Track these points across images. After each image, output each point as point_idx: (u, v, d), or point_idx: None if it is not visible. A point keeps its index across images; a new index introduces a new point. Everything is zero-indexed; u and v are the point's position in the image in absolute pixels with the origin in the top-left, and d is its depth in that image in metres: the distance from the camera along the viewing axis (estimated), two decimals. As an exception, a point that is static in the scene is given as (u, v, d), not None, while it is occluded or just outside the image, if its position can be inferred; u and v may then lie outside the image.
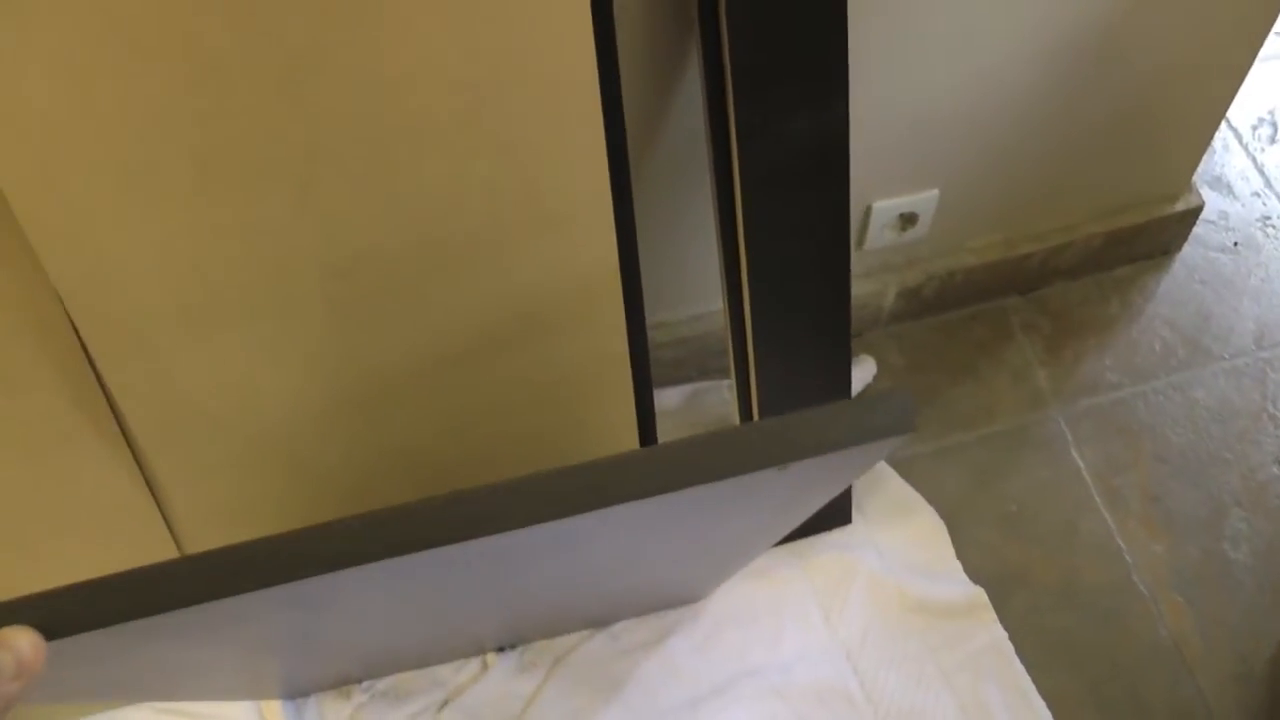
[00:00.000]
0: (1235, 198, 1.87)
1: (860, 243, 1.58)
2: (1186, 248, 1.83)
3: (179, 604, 0.66)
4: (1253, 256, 1.81)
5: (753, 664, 1.43)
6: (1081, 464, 1.62)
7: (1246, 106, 1.97)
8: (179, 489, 1.22)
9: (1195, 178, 1.75)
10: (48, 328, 1.06)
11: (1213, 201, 1.86)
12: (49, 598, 0.64)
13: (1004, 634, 1.45)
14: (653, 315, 1.55)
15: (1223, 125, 1.92)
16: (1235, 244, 1.83)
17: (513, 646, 1.44)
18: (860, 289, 1.64)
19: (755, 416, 1.38)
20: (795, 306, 1.29)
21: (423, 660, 1.41)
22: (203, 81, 0.92)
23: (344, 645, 1.18)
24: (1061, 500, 1.60)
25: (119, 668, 0.86)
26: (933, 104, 1.41)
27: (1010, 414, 1.67)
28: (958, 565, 1.52)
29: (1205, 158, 1.74)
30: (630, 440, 1.33)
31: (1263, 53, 1.52)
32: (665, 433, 1.43)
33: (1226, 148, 1.92)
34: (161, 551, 1.25)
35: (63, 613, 0.64)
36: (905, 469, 1.60)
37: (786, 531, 1.15)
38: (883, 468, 1.59)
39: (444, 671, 1.43)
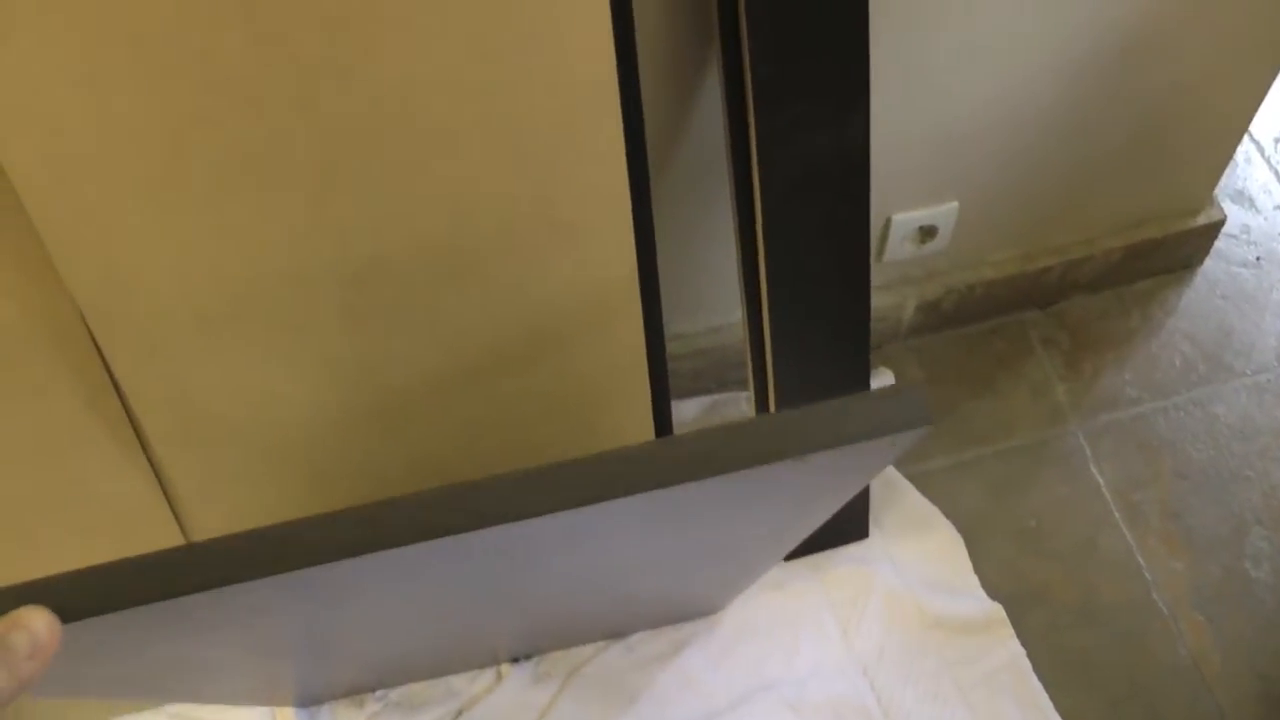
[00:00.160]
0: (1258, 211, 1.86)
1: (879, 255, 1.58)
2: (1208, 262, 1.82)
3: (193, 588, 0.66)
4: (1275, 271, 1.80)
5: (768, 678, 1.43)
6: (1101, 480, 1.61)
7: (1269, 119, 1.96)
8: (194, 495, 1.22)
9: (1217, 191, 1.74)
10: (65, 334, 1.06)
11: (1235, 215, 1.85)
12: (64, 580, 0.64)
13: (1022, 651, 1.44)
14: (670, 327, 1.55)
15: (1245, 138, 1.91)
16: (1257, 258, 1.82)
17: (528, 657, 1.44)
18: (879, 302, 1.63)
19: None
20: (814, 319, 1.29)
21: (437, 670, 1.41)
22: (219, 91, 0.92)
23: (358, 651, 1.18)
24: (1080, 516, 1.59)
25: (133, 661, 0.86)
26: (953, 117, 1.40)
27: (1029, 428, 1.66)
28: (975, 581, 1.52)
29: (1227, 171, 1.73)
30: (648, 452, 1.32)
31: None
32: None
33: (1249, 161, 1.91)
34: (176, 558, 1.25)
35: (77, 595, 0.64)
36: (923, 483, 1.59)
37: (800, 539, 1.13)
38: (900, 482, 1.58)
39: (458, 681, 1.43)
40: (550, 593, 1.07)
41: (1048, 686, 1.42)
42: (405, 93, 0.97)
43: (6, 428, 1.11)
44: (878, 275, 1.62)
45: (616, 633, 1.44)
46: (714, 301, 1.56)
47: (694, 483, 0.68)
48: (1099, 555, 1.56)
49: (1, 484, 1.15)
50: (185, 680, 1.06)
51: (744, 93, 1.13)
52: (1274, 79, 1.54)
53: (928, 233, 1.55)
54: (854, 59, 1.12)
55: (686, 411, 1.64)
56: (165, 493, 1.21)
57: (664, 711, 1.41)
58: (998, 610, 1.47)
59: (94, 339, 1.06)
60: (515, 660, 1.43)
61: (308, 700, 1.40)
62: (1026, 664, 1.44)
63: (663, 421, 1.31)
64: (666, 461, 0.68)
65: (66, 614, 0.63)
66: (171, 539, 1.24)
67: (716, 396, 1.66)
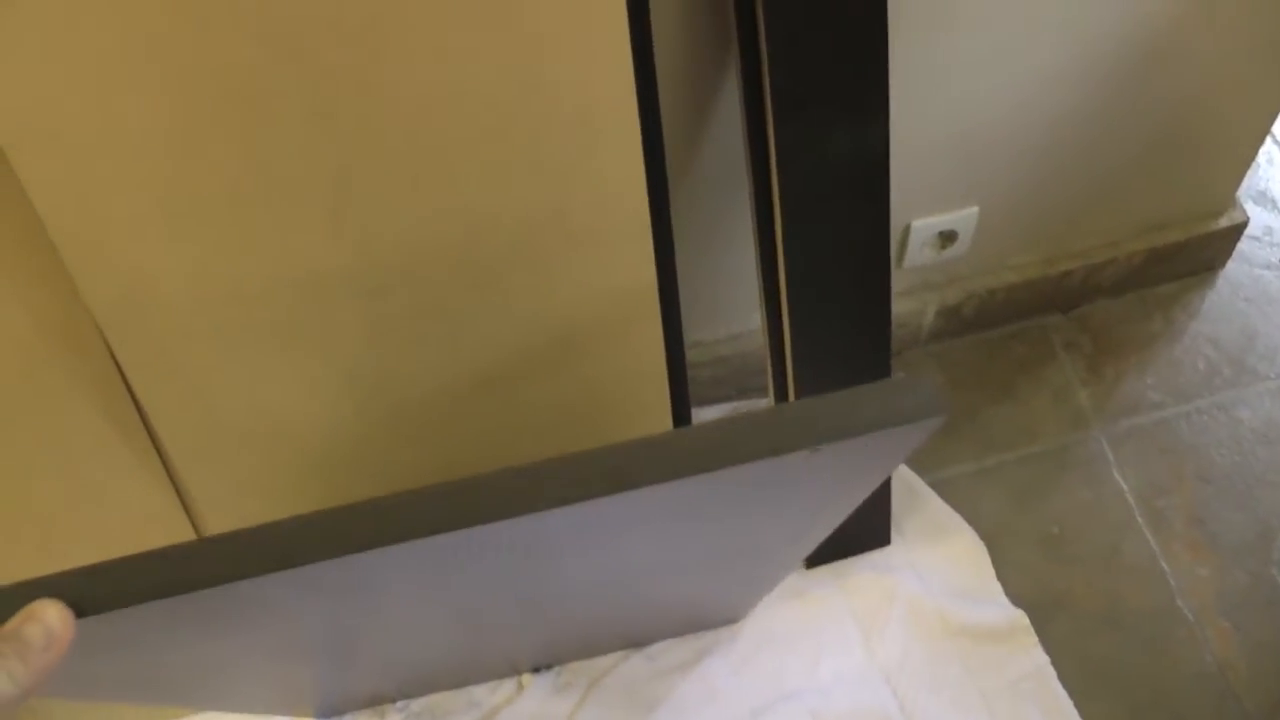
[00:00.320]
0: (1280, 214, 1.85)
1: (899, 261, 1.57)
2: (1231, 264, 1.81)
3: (206, 583, 0.65)
4: (1299, 273, 1.79)
5: (790, 687, 1.42)
6: (1124, 485, 1.60)
7: (1292, 121, 1.94)
8: (213, 508, 1.22)
9: (1240, 193, 1.73)
10: (82, 346, 1.06)
11: (1258, 217, 1.83)
12: (77, 574, 0.64)
13: (1046, 659, 1.43)
14: (690, 334, 1.54)
15: (1267, 140, 1.90)
16: (1281, 261, 1.81)
17: (549, 667, 1.43)
18: (899, 307, 1.63)
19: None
20: (835, 325, 1.28)
21: (458, 680, 1.40)
22: (235, 102, 0.92)
23: (379, 660, 1.18)
24: (1104, 522, 1.58)
25: (150, 663, 0.86)
26: (972, 121, 1.39)
27: (1051, 434, 1.65)
28: (998, 588, 1.51)
29: (1250, 173, 1.72)
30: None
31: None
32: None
33: (1271, 162, 1.90)
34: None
35: (91, 589, 0.64)
36: (944, 490, 1.58)
37: (819, 539, 1.13)
38: (922, 488, 1.57)
39: (479, 692, 1.43)
40: (570, 597, 1.07)
41: (1072, 694, 1.41)
42: (422, 102, 0.96)
43: (25, 439, 1.11)
44: (898, 281, 1.62)
45: (637, 642, 1.44)
46: (734, 308, 1.56)
47: (709, 474, 0.68)
48: (1123, 561, 1.55)
49: (21, 494, 1.15)
50: (204, 686, 1.06)
51: (762, 100, 1.13)
52: (1297, 79, 1.53)
53: (948, 238, 1.55)
54: (873, 65, 1.11)
55: (707, 419, 1.63)
56: (183, 503, 1.21)
57: (686, 721, 1.41)
58: (1021, 618, 1.46)
59: (111, 351, 1.06)
60: (536, 670, 1.43)
61: (328, 710, 1.40)
62: (1051, 671, 1.43)
63: (683, 430, 1.30)
64: (685, 451, 0.67)
65: (81, 608, 0.63)
66: (191, 551, 1.24)
67: (737, 404, 1.66)
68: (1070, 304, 1.76)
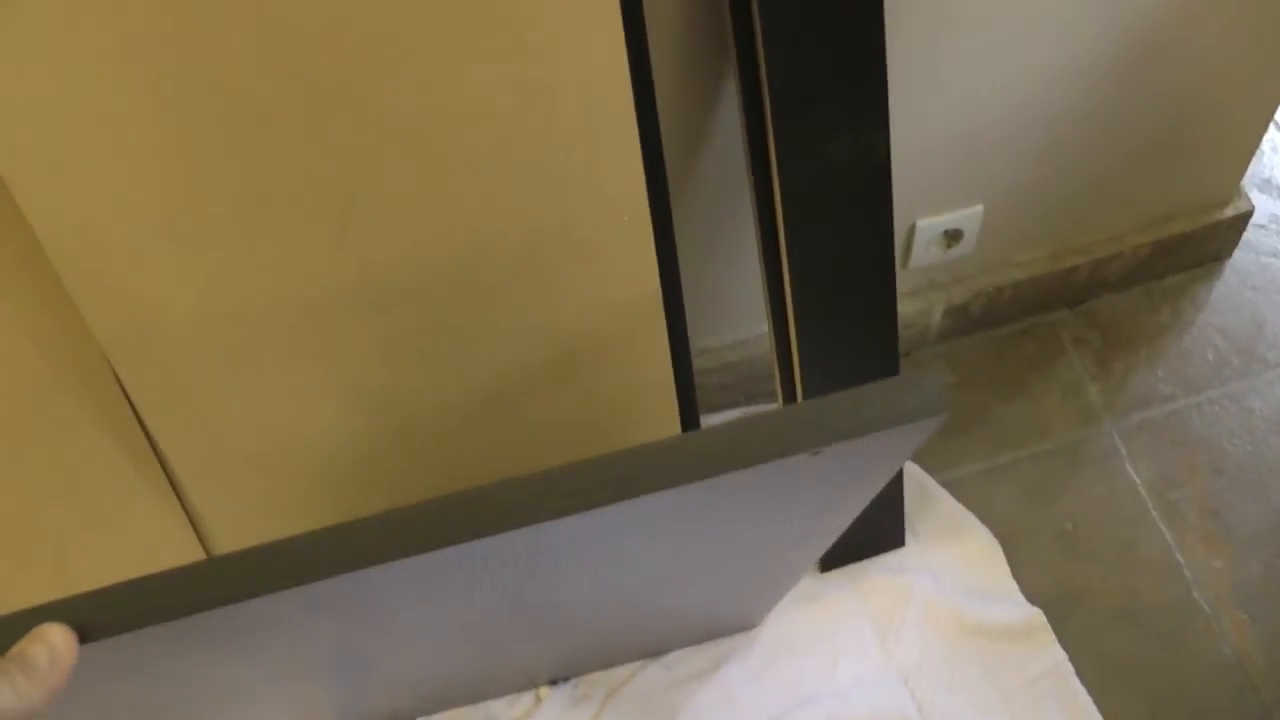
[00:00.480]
0: (1286, 201, 1.85)
1: (905, 261, 1.57)
2: (1237, 254, 1.80)
3: (207, 605, 0.66)
4: (1306, 261, 1.79)
5: (808, 691, 1.42)
6: (1137, 479, 1.60)
7: (1295, 108, 1.94)
8: (223, 528, 1.22)
9: (1244, 182, 1.73)
10: (90, 374, 1.06)
11: (1263, 205, 1.83)
12: (81, 599, 0.65)
13: (1064, 656, 1.43)
14: (697, 341, 1.55)
15: (1271, 128, 1.89)
16: (1288, 249, 1.80)
17: (566, 679, 1.43)
18: (907, 308, 1.63)
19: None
20: (841, 328, 1.28)
21: (475, 694, 1.40)
22: (237, 124, 0.92)
23: (394, 676, 1.18)
24: (1118, 517, 1.57)
25: (163, 687, 0.86)
26: (974, 119, 1.39)
27: (1062, 430, 1.65)
28: (1014, 586, 1.50)
29: (1254, 161, 1.72)
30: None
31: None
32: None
33: (1276, 150, 1.90)
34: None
35: (95, 613, 0.65)
36: (957, 489, 1.58)
37: (830, 540, 1.12)
38: (935, 489, 1.57)
39: (497, 706, 1.42)
40: (583, 607, 1.07)
41: (1091, 690, 1.41)
42: (421, 119, 0.97)
43: (34, 466, 1.11)
44: (904, 281, 1.61)
45: (654, 651, 1.44)
46: (740, 314, 1.56)
47: (711, 479, 0.68)
48: (1138, 556, 1.54)
49: (32, 522, 1.16)
50: (219, 711, 1.06)
51: (762, 105, 1.13)
52: (1297, 67, 1.52)
53: (953, 237, 1.54)
54: (871, 66, 1.11)
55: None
56: (194, 527, 1.21)
57: (705, 730, 1.40)
58: (1038, 615, 1.46)
59: (118, 378, 1.06)
60: (553, 682, 1.43)
61: (346, 729, 1.40)
62: (1069, 668, 1.42)
63: (691, 438, 1.30)
64: (684, 458, 0.67)
65: (85, 632, 0.64)
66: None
67: (746, 409, 1.66)
68: (1078, 299, 1.75)
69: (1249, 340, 1.72)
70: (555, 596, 0.96)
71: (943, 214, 1.51)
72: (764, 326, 1.33)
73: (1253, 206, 1.74)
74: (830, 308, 1.25)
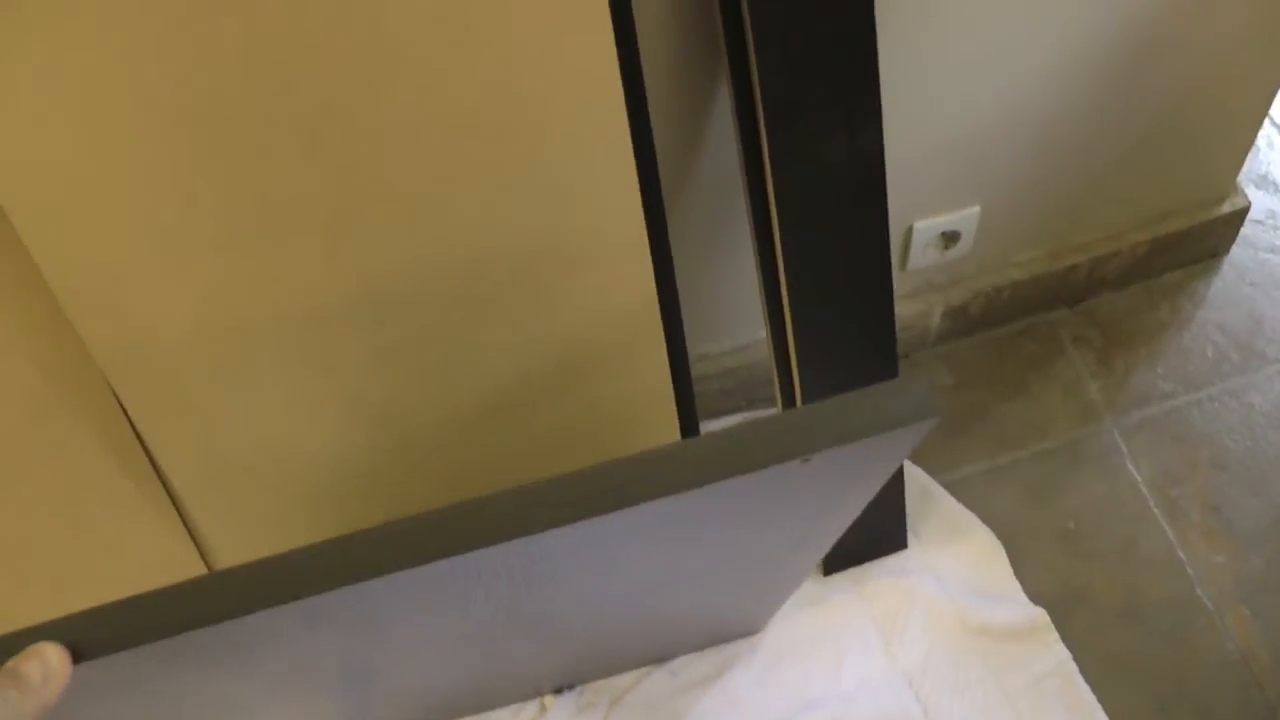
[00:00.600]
0: (1283, 197, 1.85)
1: (903, 263, 1.57)
2: (1235, 250, 1.80)
3: (202, 622, 0.66)
4: (1303, 256, 1.79)
5: (814, 695, 1.42)
6: (1138, 477, 1.60)
7: (1290, 104, 1.94)
8: (224, 545, 1.22)
9: (1240, 178, 1.73)
10: (88, 392, 1.07)
11: (1260, 201, 1.83)
12: (75, 618, 0.66)
13: (1067, 655, 1.43)
14: (697, 347, 1.55)
15: (1267, 123, 1.90)
16: (1285, 243, 1.81)
17: (571, 687, 1.43)
18: (906, 310, 1.63)
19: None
20: (839, 331, 1.28)
21: (480, 704, 1.40)
22: (230, 140, 0.93)
23: (396, 687, 1.18)
24: (1119, 515, 1.57)
25: (159, 705, 0.86)
26: (969, 120, 1.39)
27: (1063, 429, 1.65)
28: (1017, 586, 1.50)
29: (1250, 157, 1.72)
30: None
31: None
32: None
33: (1272, 146, 1.90)
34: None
35: (89, 632, 0.66)
36: (959, 490, 1.58)
37: (829, 543, 1.12)
38: (936, 490, 1.57)
39: (501, 715, 1.43)
40: (584, 615, 1.07)
41: (1095, 689, 1.41)
42: (413, 132, 0.97)
43: (35, 486, 1.12)
44: (903, 283, 1.62)
45: (658, 658, 1.44)
46: (739, 320, 1.56)
47: (703, 488, 0.68)
48: (1140, 553, 1.54)
49: (33, 540, 1.16)
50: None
51: (755, 110, 1.13)
52: (1291, 63, 1.53)
53: (950, 238, 1.55)
54: (863, 69, 1.12)
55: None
56: (196, 543, 1.21)
57: (711, 735, 1.40)
58: (1041, 615, 1.46)
59: (117, 396, 1.06)
60: (558, 691, 1.43)
61: (352, 740, 1.40)
62: (1073, 667, 1.42)
63: (691, 445, 1.31)
64: (678, 467, 0.68)
65: (79, 653, 0.65)
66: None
67: (746, 414, 1.66)
68: (1077, 298, 1.75)
69: (1248, 336, 1.72)
70: (554, 606, 0.96)
71: (940, 215, 1.51)
72: (763, 331, 1.33)
73: (1249, 202, 1.74)
74: (827, 311, 1.26)
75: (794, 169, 1.15)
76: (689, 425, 1.29)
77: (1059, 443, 1.64)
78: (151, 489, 1.15)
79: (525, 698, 1.42)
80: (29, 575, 1.18)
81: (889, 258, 1.24)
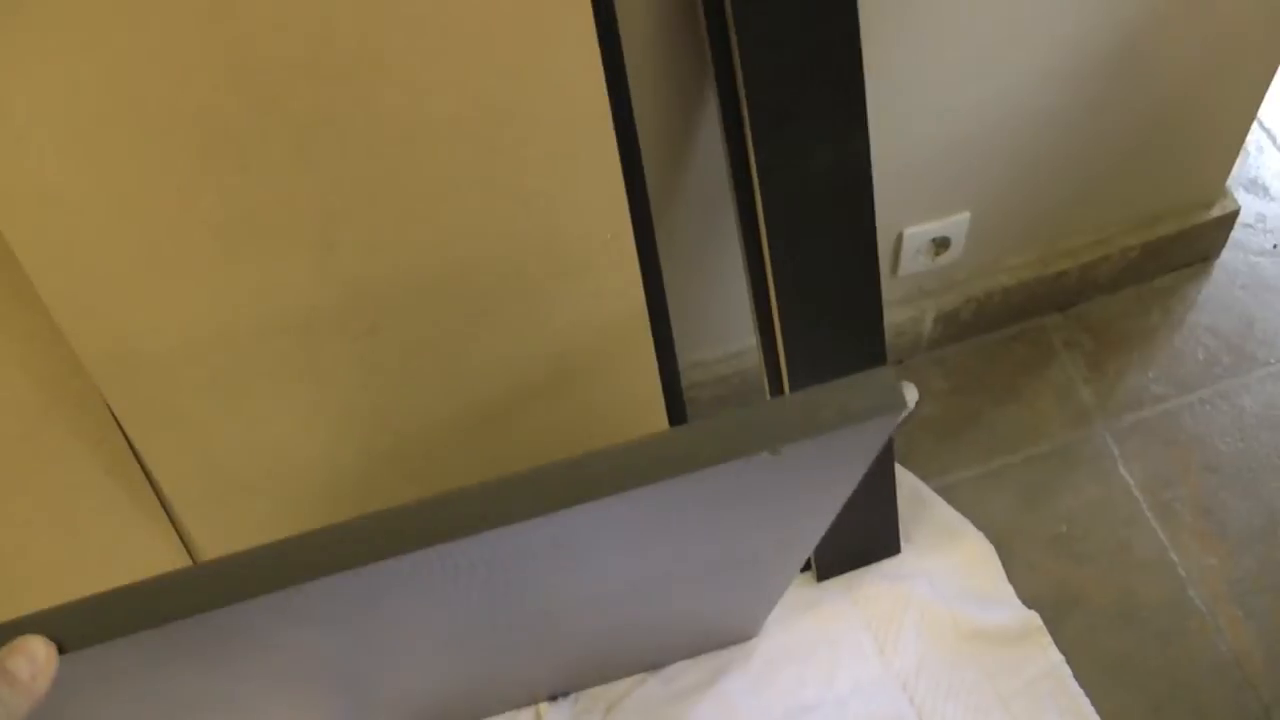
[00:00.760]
0: (1272, 199, 1.85)
1: (894, 270, 1.57)
2: (1225, 253, 1.81)
3: (183, 612, 0.67)
4: (1294, 258, 1.79)
5: (808, 700, 1.42)
6: (1130, 480, 1.61)
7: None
8: (218, 553, 1.22)
9: (1230, 181, 1.74)
10: (81, 404, 1.07)
11: (1249, 205, 1.83)
12: (59, 610, 0.66)
13: (1061, 658, 1.43)
14: (691, 355, 1.55)
15: (1256, 127, 1.90)
16: (1275, 246, 1.81)
17: (565, 694, 1.44)
18: (898, 316, 1.63)
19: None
20: (828, 338, 1.28)
21: (474, 712, 1.40)
22: (217, 153, 0.93)
23: (389, 694, 1.18)
24: (1112, 518, 1.58)
25: (149, 708, 0.86)
26: (957, 127, 1.40)
27: (1056, 433, 1.66)
28: (1010, 590, 1.51)
29: (1240, 161, 1.72)
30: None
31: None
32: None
33: (1261, 150, 1.90)
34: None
35: (73, 624, 0.66)
36: (952, 494, 1.58)
37: (812, 544, 1.11)
38: (929, 495, 1.58)
39: (497, 723, 1.43)
40: (573, 619, 1.07)
41: (1089, 691, 1.41)
42: (399, 143, 0.97)
43: (29, 498, 1.12)
44: (894, 289, 1.62)
45: (652, 665, 1.44)
46: (731, 328, 1.56)
47: (670, 480, 0.68)
48: (1132, 556, 1.55)
49: (28, 551, 1.16)
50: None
51: (741, 120, 1.14)
52: (1278, 67, 1.53)
53: (941, 244, 1.55)
54: (848, 78, 1.12)
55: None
56: (189, 552, 1.22)
57: (705, 741, 1.41)
58: (1034, 618, 1.47)
59: (110, 407, 1.07)
60: (553, 698, 1.43)
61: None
62: (1066, 670, 1.43)
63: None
64: (646, 459, 0.68)
65: (64, 645, 0.65)
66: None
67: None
68: (1068, 303, 1.76)
69: (1239, 339, 1.72)
70: (539, 608, 0.96)
71: (930, 222, 1.52)
72: (755, 339, 1.34)
73: (1239, 206, 1.75)
74: (817, 318, 1.26)
75: (781, 177, 1.16)
76: (680, 432, 1.30)
77: (1051, 447, 1.65)
78: (145, 499, 1.15)
79: (520, 705, 1.43)
80: (23, 586, 1.18)
81: (877, 264, 1.25)
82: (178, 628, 0.67)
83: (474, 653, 1.09)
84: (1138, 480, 1.60)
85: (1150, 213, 1.70)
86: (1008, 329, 1.75)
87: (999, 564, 1.53)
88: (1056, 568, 1.54)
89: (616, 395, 1.23)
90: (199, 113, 0.91)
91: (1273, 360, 1.69)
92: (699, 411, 1.59)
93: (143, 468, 1.13)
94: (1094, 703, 1.40)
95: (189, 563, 1.22)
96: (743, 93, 1.11)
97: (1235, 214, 1.75)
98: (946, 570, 1.51)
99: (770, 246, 1.20)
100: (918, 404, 1.68)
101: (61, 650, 0.65)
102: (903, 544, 1.52)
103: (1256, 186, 1.86)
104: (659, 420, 1.27)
